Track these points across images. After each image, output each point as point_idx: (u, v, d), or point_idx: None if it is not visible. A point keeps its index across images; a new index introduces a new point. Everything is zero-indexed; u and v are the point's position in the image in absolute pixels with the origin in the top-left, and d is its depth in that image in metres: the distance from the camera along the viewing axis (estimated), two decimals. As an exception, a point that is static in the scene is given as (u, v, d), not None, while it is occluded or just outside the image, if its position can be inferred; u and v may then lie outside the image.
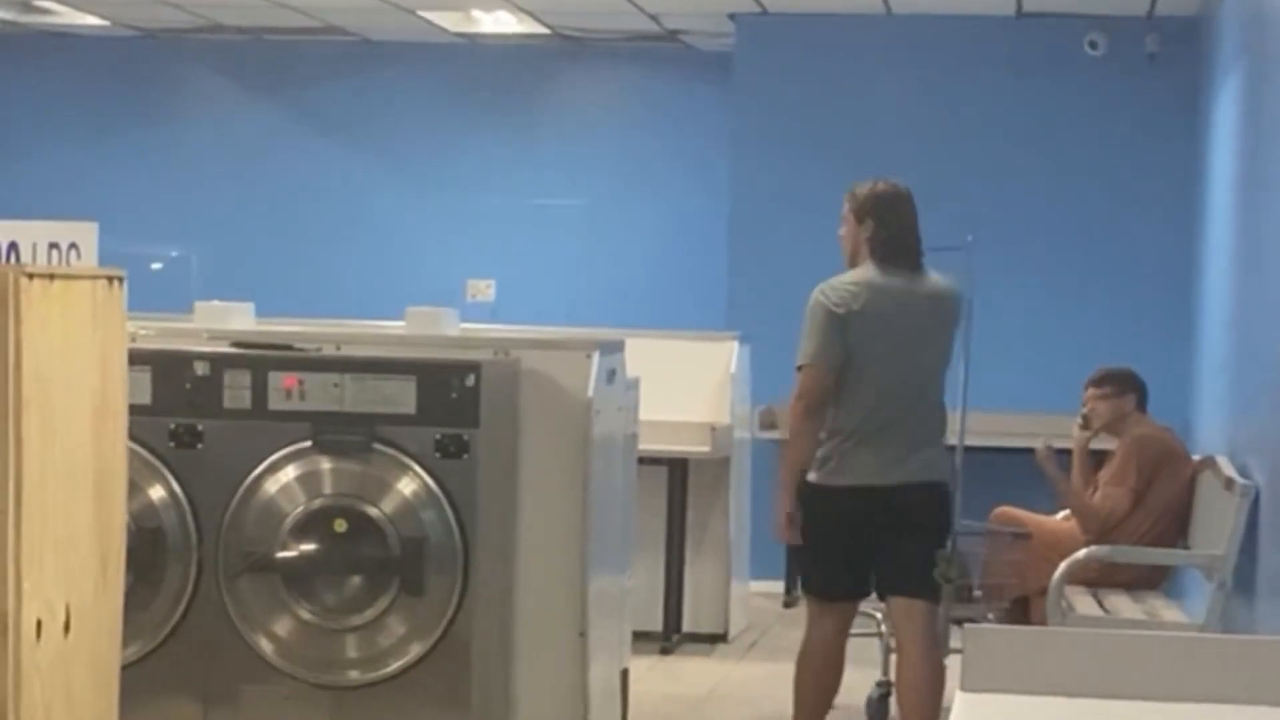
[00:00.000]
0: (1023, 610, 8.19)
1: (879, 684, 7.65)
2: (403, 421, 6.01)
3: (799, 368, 6.45)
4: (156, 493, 6.09)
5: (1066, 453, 8.65)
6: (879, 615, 7.50)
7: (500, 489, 6.21)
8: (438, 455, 6.00)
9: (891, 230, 6.46)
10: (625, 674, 7.07)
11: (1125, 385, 8.50)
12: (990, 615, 8.10)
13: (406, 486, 6.01)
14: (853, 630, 6.75)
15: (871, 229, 6.48)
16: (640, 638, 8.04)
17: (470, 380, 6.01)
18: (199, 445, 6.11)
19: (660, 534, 9.18)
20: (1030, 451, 8.56)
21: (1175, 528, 8.22)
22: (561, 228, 12.86)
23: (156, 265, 12.91)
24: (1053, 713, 2.81)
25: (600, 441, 6.39)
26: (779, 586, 10.48)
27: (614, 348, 6.68)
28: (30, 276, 3.69)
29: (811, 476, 6.49)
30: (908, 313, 6.45)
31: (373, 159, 13.10)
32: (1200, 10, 10.72)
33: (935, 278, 6.57)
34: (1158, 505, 8.21)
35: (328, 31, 12.60)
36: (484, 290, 12.81)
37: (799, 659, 6.72)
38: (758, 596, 10.20)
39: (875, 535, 6.48)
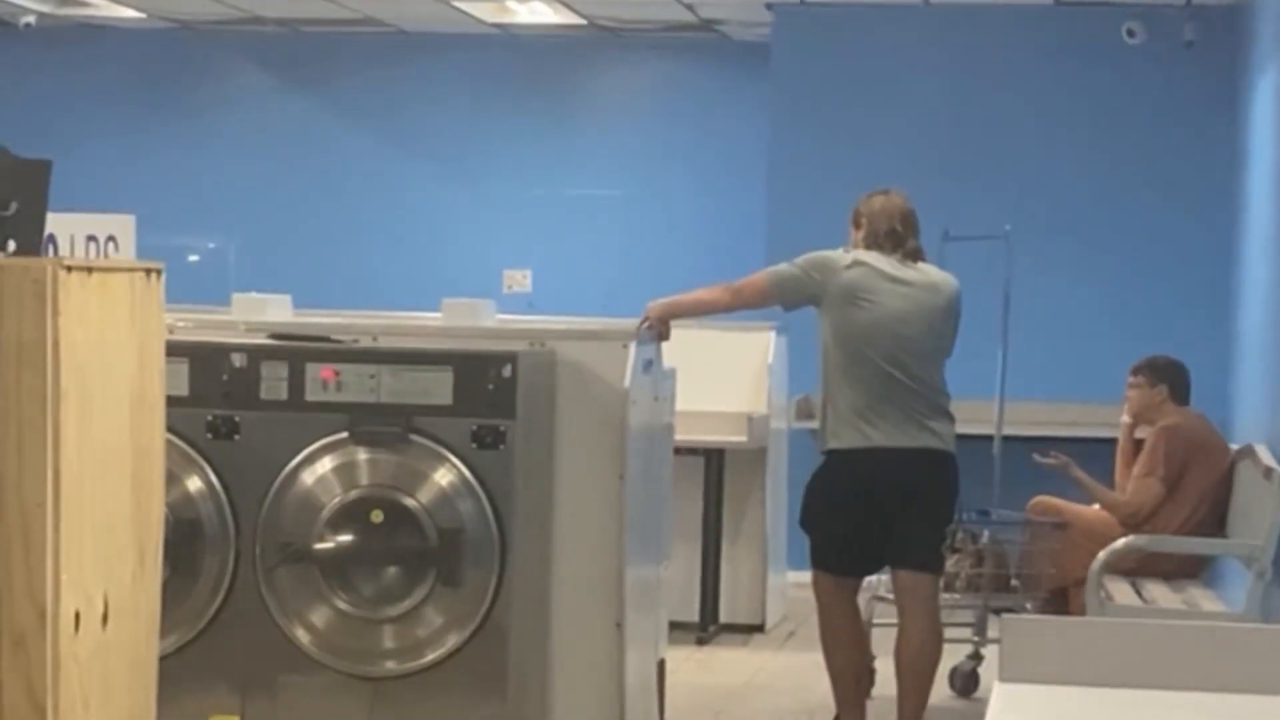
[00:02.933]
0: (1061, 600, 8.17)
1: None
2: (439, 412, 6.01)
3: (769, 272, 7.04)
4: (194, 484, 6.10)
5: (1105, 441, 8.65)
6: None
7: (537, 480, 6.21)
8: (474, 446, 6.00)
9: (879, 232, 6.92)
10: (662, 664, 7.07)
11: (1158, 376, 8.47)
12: (1028, 605, 8.08)
13: (443, 477, 6.01)
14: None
15: (865, 230, 6.97)
16: (677, 628, 8.03)
17: (507, 371, 6.01)
18: (236, 437, 6.12)
19: (697, 524, 9.18)
20: (1069, 440, 8.55)
21: (1213, 517, 8.19)
22: (598, 218, 12.86)
23: (194, 257, 12.94)
24: (1091, 703, 2.80)
25: (637, 432, 6.38)
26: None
27: (651, 337, 6.69)
28: (68, 269, 3.70)
29: (831, 445, 6.84)
30: (897, 296, 6.81)
31: (409, 150, 13.11)
32: (1238, -3, 10.67)
33: (931, 270, 6.97)
34: (1193, 494, 8.18)
35: (364, 23, 12.62)
36: (520, 281, 12.81)
37: (827, 644, 6.97)
38: (795, 587, 10.16)
39: (887, 505, 6.78)
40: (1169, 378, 8.48)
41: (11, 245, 3.89)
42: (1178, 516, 8.14)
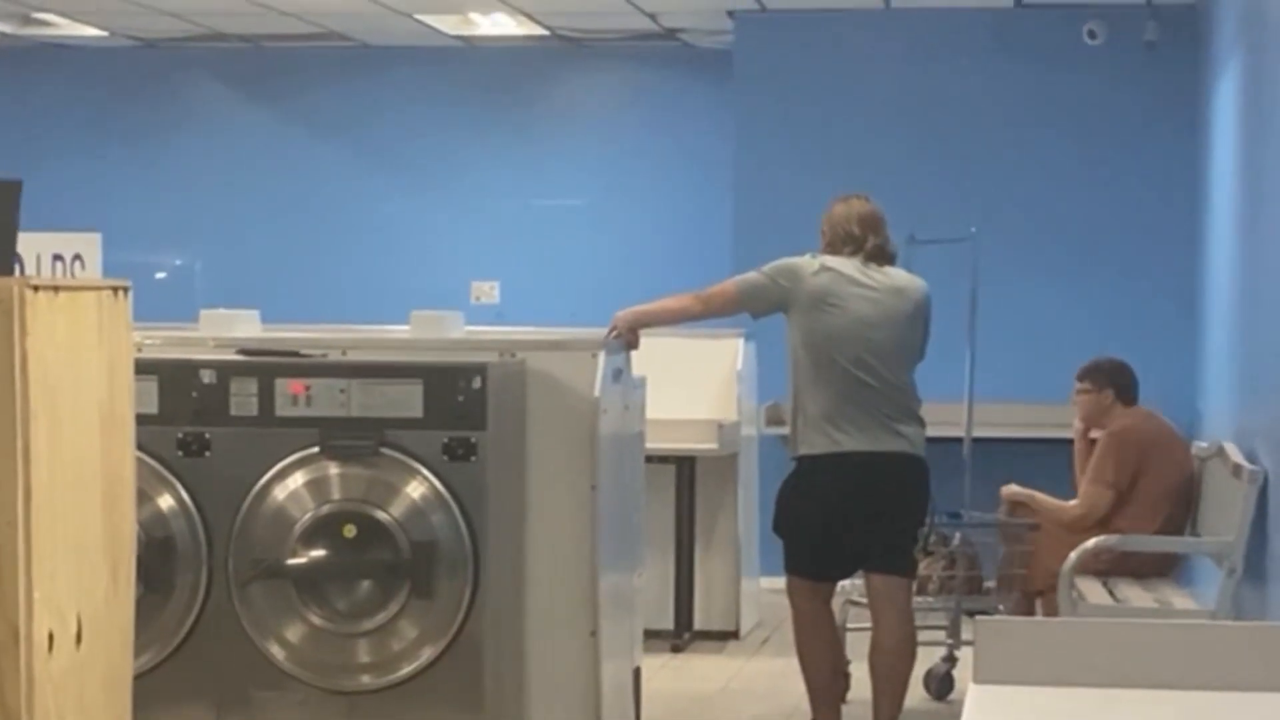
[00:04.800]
0: (1034, 601, 8.18)
1: None
2: (410, 425, 6.01)
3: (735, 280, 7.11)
4: (165, 502, 6.09)
5: (1067, 442, 8.68)
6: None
7: (509, 490, 6.21)
8: (445, 458, 6.00)
9: (839, 237, 6.98)
10: (637, 673, 7.07)
11: (1103, 379, 8.48)
12: (1001, 607, 8.10)
13: (415, 490, 6.01)
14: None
15: (828, 237, 7.03)
16: (652, 636, 8.03)
17: (476, 383, 6.01)
18: (207, 453, 6.11)
19: (669, 532, 9.18)
20: (1036, 442, 8.55)
21: (1181, 514, 8.21)
22: (565, 228, 12.86)
23: (161, 274, 12.91)
24: (1066, 704, 2.81)
25: (607, 441, 6.39)
26: (789, 582, 10.47)
27: (619, 347, 6.70)
28: (35, 289, 3.69)
29: (802, 450, 6.85)
30: (863, 300, 6.84)
31: (374, 164, 13.10)
32: (1199, -3, 10.71)
33: (898, 274, 7.00)
34: (1152, 494, 8.17)
35: (326, 37, 12.60)
36: (488, 292, 12.81)
37: (801, 649, 7.00)
38: (768, 592, 10.18)
39: (858, 509, 6.80)
40: (1115, 380, 8.48)
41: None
42: (1138, 517, 8.12)
